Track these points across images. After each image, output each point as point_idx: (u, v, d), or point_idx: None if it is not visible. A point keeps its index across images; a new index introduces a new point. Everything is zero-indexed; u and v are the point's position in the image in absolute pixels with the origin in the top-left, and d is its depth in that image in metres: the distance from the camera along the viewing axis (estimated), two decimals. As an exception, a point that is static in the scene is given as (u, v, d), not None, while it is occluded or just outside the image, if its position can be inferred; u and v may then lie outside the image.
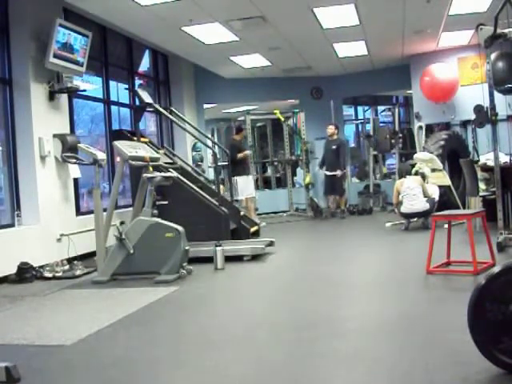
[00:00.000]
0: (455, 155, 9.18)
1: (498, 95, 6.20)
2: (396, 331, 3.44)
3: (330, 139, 10.64)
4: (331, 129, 10.65)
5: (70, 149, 6.62)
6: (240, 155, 9.56)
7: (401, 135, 11.69)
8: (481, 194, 7.27)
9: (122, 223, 6.15)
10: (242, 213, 8.36)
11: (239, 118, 11.67)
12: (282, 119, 11.53)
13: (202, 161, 10.96)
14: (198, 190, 7.57)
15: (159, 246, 5.50)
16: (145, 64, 10.49)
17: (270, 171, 14.78)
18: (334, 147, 10.45)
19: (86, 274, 6.08)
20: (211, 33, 8.34)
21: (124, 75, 9.26)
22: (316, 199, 11.08)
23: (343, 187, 10.64)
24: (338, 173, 10.35)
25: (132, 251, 5.53)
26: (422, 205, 7.95)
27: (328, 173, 10.52)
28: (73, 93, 7.09)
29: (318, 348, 3.17)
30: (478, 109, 7.35)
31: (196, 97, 11.49)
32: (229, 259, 6.06)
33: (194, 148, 10.86)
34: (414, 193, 8.04)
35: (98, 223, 5.83)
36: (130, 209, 6.93)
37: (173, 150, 9.78)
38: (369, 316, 3.83)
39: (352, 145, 15.07)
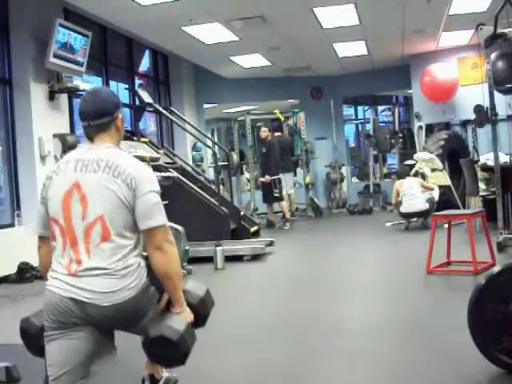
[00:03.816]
0: (455, 155, 9.17)
1: (498, 95, 6.19)
2: (396, 331, 3.44)
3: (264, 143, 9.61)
4: (265, 131, 9.62)
5: (70, 149, 6.59)
6: None
7: (401, 135, 11.68)
8: (481, 193, 7.27)
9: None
10: (241, 213, 8.36)
11: (239, 118, 11.63)
12: (282, 119, 11.53)
13: (202, 161, 10.96)
14: (198, 189, 7.57)
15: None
16: (145, 64, 10.49)
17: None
18: (263, 150, 9.50)
19: (86, 273, 6.07)
20: (211, 33, 8.34)
21: (124, 75, 9.26)
22: (316, 199, 11.07)
23: (274, 194, 9.19)
24: (266, 178, 9.16)
25: (132, 251, 5.52)
26: (421, 204, 7.95)
27: (261, 179, 9.44)
28: (73, 93, 7.08)
29: (319, 348, 3.17)
30: (478, 109, 7.34)
31: (196, 97, 11.48)
32: (229, 259, 6.06)
33: (194, 148, 10.86)
34: (413, 192, 8.04)
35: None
36: (130, 209, 6.92)
37: (173, 150, 9.78)
38: (369, 316, 3.84)
39: (352, 145, 15.06)
